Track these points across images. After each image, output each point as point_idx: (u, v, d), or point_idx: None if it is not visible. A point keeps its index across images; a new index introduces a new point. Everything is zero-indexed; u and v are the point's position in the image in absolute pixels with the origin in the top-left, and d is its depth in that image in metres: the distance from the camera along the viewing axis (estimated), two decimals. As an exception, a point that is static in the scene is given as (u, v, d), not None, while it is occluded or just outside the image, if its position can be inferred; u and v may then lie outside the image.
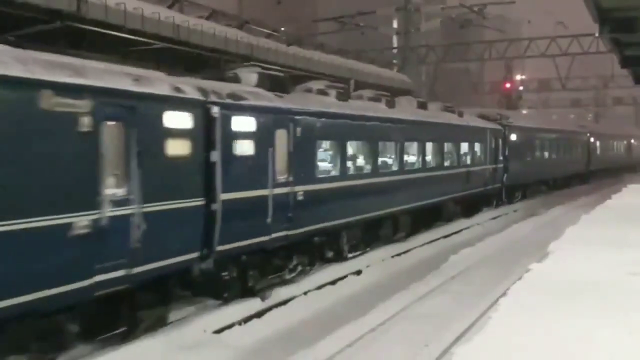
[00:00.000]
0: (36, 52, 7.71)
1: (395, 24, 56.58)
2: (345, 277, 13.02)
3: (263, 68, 12.71)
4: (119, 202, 8.10)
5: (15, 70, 6.85)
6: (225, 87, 10.77)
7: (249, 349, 9.03)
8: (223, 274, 10.44)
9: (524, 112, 58.98)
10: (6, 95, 6.79)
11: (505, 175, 25.70)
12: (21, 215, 6.88)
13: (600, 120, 76.70)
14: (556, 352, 5.23)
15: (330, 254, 13.98)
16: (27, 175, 6.98)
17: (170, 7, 21.09)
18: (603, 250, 9.31)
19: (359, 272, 13.51)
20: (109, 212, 7.91)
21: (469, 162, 21.92)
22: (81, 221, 7.53)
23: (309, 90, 14.12)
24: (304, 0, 57.21)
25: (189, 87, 9.63)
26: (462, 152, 21.49)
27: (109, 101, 7.94)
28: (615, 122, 73.27)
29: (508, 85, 53.40)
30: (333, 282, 12.54)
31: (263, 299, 11.08)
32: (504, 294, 7.78)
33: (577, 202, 27.68)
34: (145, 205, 8.45)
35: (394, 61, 44.26)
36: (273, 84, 12.16)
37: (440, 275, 13.39)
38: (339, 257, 14.07)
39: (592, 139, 41.40)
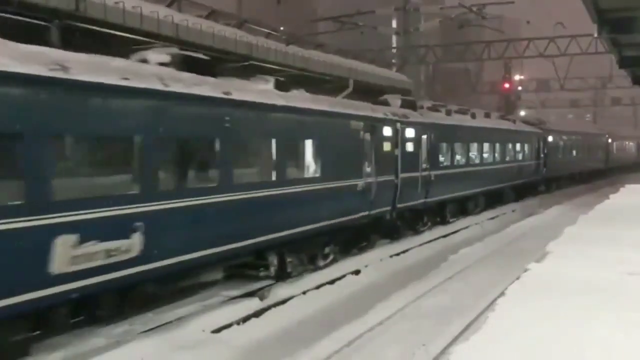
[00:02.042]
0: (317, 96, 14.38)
1: (394, 24, 56.67)
2: (343, 276, 13.03)
3: (403, 95, 20.72)
4: (368, 175, 15.00)
5: (346, 111, 14.66)
6: (393, 110, 17.32)
7: (247, 349, 9.04)
8: (398, 222, 17.51)
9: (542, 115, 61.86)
10: (351, 125, 14.56)
11: (545, 169, 32.54)
12: (339, 179, 13.70)
13: (599, 120, 76.79)
14: (554, 352, 5.24)
15: (437, 219, 20.45)
16: (342, 159, 13.88)
17: (169, 6, 21.07)
18: (601, 250, 9.32)
19: (357, 272, 13.52)
20: (367, 180, 14.90)
21: (520, 158, 28.97)
22: (358, 184, 14.54)
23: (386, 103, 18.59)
24: (303, -1, 57.19)
25: (381, 112, 16.30)
26: (517, 150, 28.38)
27: (367, 123, 15.11)
28: (614, 122, 73.44)
29: (507, 85, 53.43)
30: (332, 282, 12.55)
31: (262, 299, 11.09)
32: (502, 294, 7.78)
33: (575, 202, 27.72)
34: (377, 177, 15.31)
35: (393, 61, 44.26)
36: (404, 104, 18.70)
37: (438, 275, 13.40)
38: (444, 221, 20.73)
39: (609, 140, 48.76)
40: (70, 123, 7.80)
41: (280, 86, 12.64)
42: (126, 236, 8.31)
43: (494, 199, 25.59)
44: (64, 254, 7.50)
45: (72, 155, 8.28)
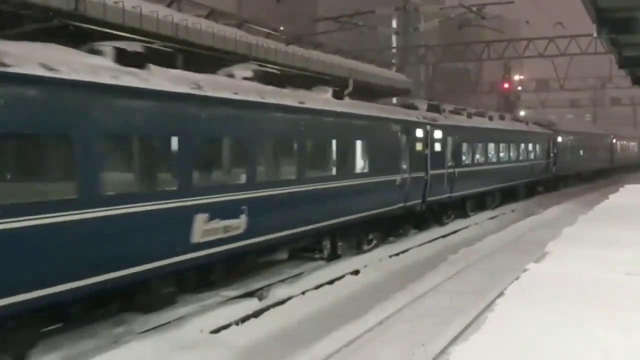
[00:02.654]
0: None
1: (394, 24, 56.66)
2: (343, 277, 13.02)
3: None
4: (404, 171, 16.89)
5: (388, 115, 16.95)
6: (423, 113, 19.36)
7: (246, 349, 9.02)
8: (426, 214, 19.33)
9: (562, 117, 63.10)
10: (391, 128, 16.71)
11: (554, 168, 34.35)
12: (379, 175, 15.54)
13: (598, 120, 76.78)
14: (553, 352, 5.23)
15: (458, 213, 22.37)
16: (384, 157, 15.90)
17: (168, 5, 21.08)
18: (600, 250, 9.32)
19: (356, 272, 13.51)
20: (403, 175, 16.83)
21: (532, 157, 30.69)
22: (397, 179, 16.56)
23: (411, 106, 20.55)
24: (303, -1, 57.18)
25: (414, 116, 18.42)
26: (529, 150, 30.08)
27: (404, 126, 17.14)
28: (613, 122, 73.42)
29: (506, 85, 53.46)
30: (331, 282, 12.54)
31: (260, 299, 11.09)
32: (501, 294, 7.78)
33: (574, 202, 27.72)
34: (411, 174, 17.21)
35: (393, 61, 44.27)
36: (430, 108, 20.76)
37: (437, 275, 13.38)
38: (465, 215, 22.62)
39: (614, 140, 50.69)
40: (206, 129, 10.10)
41: (336, 95, 15.02)
42: (237, 216, 10.49)
43: (508, 196, 27.56)
44: (200, 228, 9.66)
45: (209, 154, 10.49)
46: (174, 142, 9.38)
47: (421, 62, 45.30)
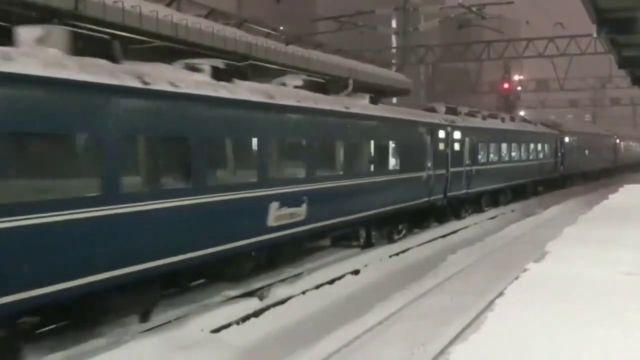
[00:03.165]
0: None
1: (394, 24, 56.59)
2: (343, 276, 13.03)
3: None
4: (429, 169, 18.73)
5: (416, 118, 18.75)
6: (443, 116, 21.13)
7: (246, 349, 9.03)
8: (447, 208, 21.19)
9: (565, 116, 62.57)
10: (419, 129, 18.53)
11: (562, 167, 35.87)
12: (408, 172, 17.31)
13: (598, 120, 76.77)
14: (552, 352, 5.24)
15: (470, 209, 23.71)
16: (412, 156, 17.75)
17: (168, 5, 21.05)
18: (600, 250, 9.32)
19: (356, 272, 13.52)
20: (428, 172, 18.64)
21: (542, 157, 32.32)
22: (423, 176, 18.40)
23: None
24: (303, -1, 57.16)
25: (437, 118, 20.21)
26: (538, 150, 31.70)
27: (429, 128, 18.93)
28: (613, 122, 73.49)
29: (506, 85, 53.46)
30: (331, 282, 12.55)
31: (261, 299, 11.11)
32: (501, 294, 7.79)
33: (574, 202, 27.74)
34: (434, 171, 19.10)
35: (393, 61, 44.26)
36: (448, 110, 22.13)
37: (437, 275, 13.39)
38: (481, 210, 24.42)
39: (617, 141, 52.10)
40: (278, 132, 12.04)
41: (373, 100, 16.74)
42: (300, 205, 12.27)
43: (518, 193, 29.19)
44: (273, 213, 11.50)
45: (280, 152, 12.27)
46: (255, 143, 11.31)
47: (421, 62, 45.27)
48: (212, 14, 23.68)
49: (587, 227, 12.10)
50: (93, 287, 7.92)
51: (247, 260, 11.52)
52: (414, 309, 10.76)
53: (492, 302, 9.19)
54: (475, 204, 23.99)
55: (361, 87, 25.31)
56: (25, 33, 8.36)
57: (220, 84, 10.54)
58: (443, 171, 19.86)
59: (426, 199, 18.73)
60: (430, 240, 17.86)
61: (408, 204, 17.48)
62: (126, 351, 8.23)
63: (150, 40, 18.71)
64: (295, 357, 8.52)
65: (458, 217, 22.20)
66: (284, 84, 13.91)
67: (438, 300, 11.26)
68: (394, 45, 48.49)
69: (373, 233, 16.38)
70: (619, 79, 50.55)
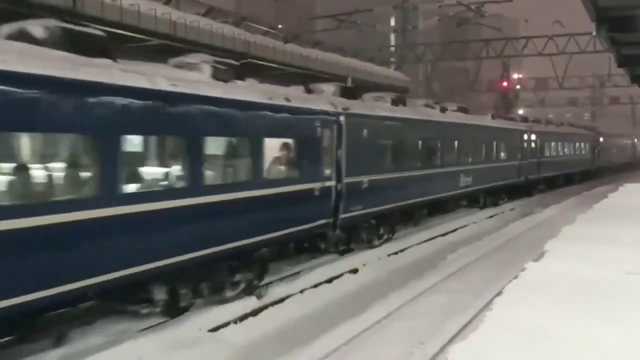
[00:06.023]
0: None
1: (392, 22, 56.57)
2: (341, 275, 13.01)
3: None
4: (520, 159, 28.48)
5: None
6: (525, 125, 29.46)
7: (244, 347, 9.01)
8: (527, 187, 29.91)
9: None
10: (517, 133, 28.67)
11: (598, 160, 43.98)
12: (510, 160, 26.93)
13: (597, 119, 76.83)
14: (552, 351, 5.22)
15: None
16: (513, 149, 27.63)
17: (166, 3, 21.04)
18: (599, 249, 9.30)
19: (355, 271, 13.50)
20: (522, 162, 28.42)
21: (584, 153, 41.14)
22: (516, 164, 27.79)
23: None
24: (302, -3, 57.07)
25: (522, 126, 28.46)
26: (582, 147, 40.19)
27: (519, 133, 29.13)
28: (612, 121, 73.67)
29: (505, 83, 53.45)
30: (329, 281, 12.52)
31: (259, 297, 11.07)
32: (499, 293, 7.76)
33: (573, 201, 27.73)
34: (528, 160, 29.40)
35: (392, 59, 44.25)
36: (522, 119, 30.02)
37: (436, 274, 13.37)
38: (546, 189, 32.88)
39: (635, 140, 63.41)
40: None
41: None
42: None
43: (569, 181, 37.33)
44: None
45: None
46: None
47: (420, 60, 45.23)
48: (210, 12, 23.67)
49: (587, 226, 12.07)
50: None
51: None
52: (412, 308, 10.74)
53: (491, 301, 9.16)
54: (544, 183, 32.86)
55: (359, 86, 25.31)
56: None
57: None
58: (526, 160, 28.82)
59: (522, 178, 28.27)
60: (429, 239, 17.83)
61: (512, 180, 26.85)
62: (124, 349, 8.21)
63: (148, 38, 18.69)
64: (293, 356, 8.49)
65: (530, 194, 30.13)
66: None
67: (437, 299, 11.24)
68: (393, 43, 48.47)
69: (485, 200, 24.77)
70: (618, 77, 50.57)
